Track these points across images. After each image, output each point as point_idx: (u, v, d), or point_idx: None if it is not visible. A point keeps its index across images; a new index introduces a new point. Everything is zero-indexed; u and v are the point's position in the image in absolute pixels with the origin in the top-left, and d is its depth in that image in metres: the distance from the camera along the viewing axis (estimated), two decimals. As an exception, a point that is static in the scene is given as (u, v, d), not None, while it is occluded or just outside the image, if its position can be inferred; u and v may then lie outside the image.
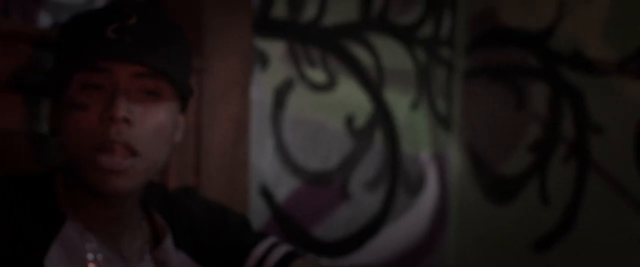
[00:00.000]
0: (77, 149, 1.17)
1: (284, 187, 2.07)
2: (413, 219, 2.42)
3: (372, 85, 2.28)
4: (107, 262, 1.23)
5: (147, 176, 1.22)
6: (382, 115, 2.31)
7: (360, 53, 2.25)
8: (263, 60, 2.01)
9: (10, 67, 1.41)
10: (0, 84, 1.41)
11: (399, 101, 2.36)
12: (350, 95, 2.22)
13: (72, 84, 1.17)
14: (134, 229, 1.31)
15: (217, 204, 1.49)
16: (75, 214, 1.23)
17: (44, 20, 1.82)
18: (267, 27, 2.02)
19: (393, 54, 2.34)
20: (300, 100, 2.10)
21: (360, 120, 2.25)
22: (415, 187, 2.43)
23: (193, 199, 1.46)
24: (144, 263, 1.29)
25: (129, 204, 1.26)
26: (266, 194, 2.02)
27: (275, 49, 2.05)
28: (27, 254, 1.16)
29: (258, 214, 1.98)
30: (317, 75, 2.15)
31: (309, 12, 2.12)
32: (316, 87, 2.15)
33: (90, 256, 1.22)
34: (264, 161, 2.01)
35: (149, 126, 1.18)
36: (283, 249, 1.43)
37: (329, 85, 2.18)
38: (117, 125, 1.14)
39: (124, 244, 1.28)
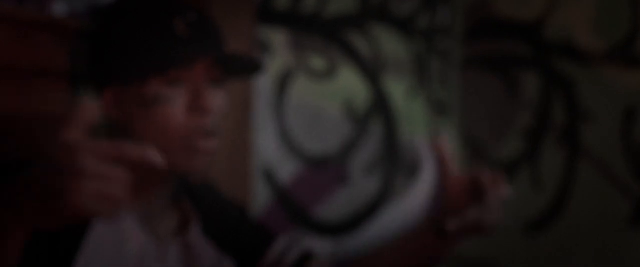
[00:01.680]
0: (165, 137, 1.23)
1: (287, 169, 2.09)
2: (411, 202, 2.44)
3: (372, 73, 2.32)
4: (141, 239, 1.30)
5: None
6: (381, 102, 2.35)
7: (360, 42, 2.28)
8: (267, 48, 2.04)
9: (49, 56, 1.48)
10: (38, 72, 1.48)
11: (397, 88, 2.40)
12: (350, 83, 2.25)
13: (150, 80, 1.23)
14: (167, 213, 1.37)
15: (234, 202, 1.56)
16: None
17: (58, 9, 1.84)
18: (270, 17, 2.04)
19: (392, 44, 2.37)
20: (302, 87, 2.13)
21: (360, 107, 2.28)
22: (413, 171, 2.46)
23: (213, 192, 1.53)
24: (174, 245, 1.36)
25: (172, 184, 1.34)
26: (269, 177, 2.05)
27: (278, 38, 2.07)
28: (71, 230, 1.22)
29: (262, 195, 2.02)
30: (319, 63, 2.17)
31: (311, 2, 2.15)
32: (317, 75, 2.17)
33: (128, 234, 1.28)
34: (267, 145, 2.04)
35: (218, 112, 1.28)
36: (299, 250, 1.52)
37: (330, 73, 2.20)
38: (207, 116, 1.24)
39: (158, 225, 1.35)
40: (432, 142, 1.31)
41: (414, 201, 2.47)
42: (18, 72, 1.49)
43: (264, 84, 2.04)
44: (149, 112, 1.24)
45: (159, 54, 1.24)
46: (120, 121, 1.28)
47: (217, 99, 1.27)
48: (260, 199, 2.02)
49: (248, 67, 1.32)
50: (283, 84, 2.10)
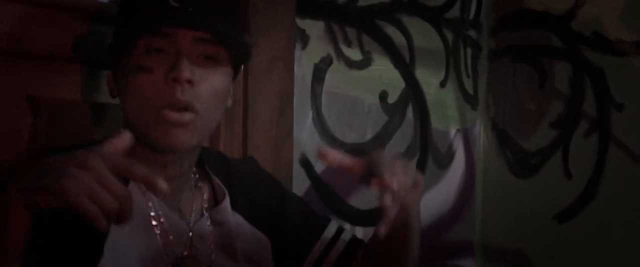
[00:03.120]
0: (142, 108, 1.23)
1: (323, 158, 2.11)
2: (442, 191, 2.48)
3: (404, 63, 2.33)
4: (168, 219, 1.30)
5: (202, 134, 1.29)
6: (413, 92, 2.36)
7: (393, 33, 2.29)
8: (303, 38, 2.05)
9: (70, 40, 1.47)
10: (61, 56, 1.47)
11: (428, 79, 2.41)
12: (384, 73, 2.27)
13: (136, 48, 1.23)
14: (192, 189, 1.37)
15: (276, 182, 1.55)
16: None
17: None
18: (307, 7, 2.05)
19: (423, 34, 2.38)
20: (337, 77, 2.14)
21: (393, 97, 2.30)
22: (444, 161, 2.49)
23: (252, 167, 1.53)
24: (202, 221, 1.35)
25: (186, 163, 1.32)
26: (306, 164, 2.06)
27: (314, 28, 2.08)
28: None
29: (299, 182, 2.03)
30: (353, 53, 2.19)
31: (346, -7, 2.16)
32: (352, 65, 2.19)
33: (152, 214, 1.29)
34: (304, 133, 2.06)
35: (208, 88, 1.25)
36: (348, 236, 1.52)
37: (364, 63, 2.22)
38: (182, 86, 1.21)
39: (183, 203, 1.35)
40: (318, 156, 1.26)
41: (445, 189, 2.50)
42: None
43: (301, 73, 2.05)
44: (130, 81, 1.23)
45: (144, 18, 1.23)
46: (117, 92, 1.29)
47: (208, 76, 1.25)
48: (298, 185, 2.03)
49: (237, 51, 1.29)
50: (319, 73, 2.11)
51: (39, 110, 1.44)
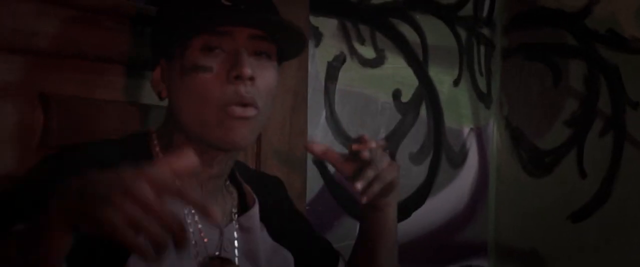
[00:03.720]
0: (202, 107, 1.22)
1: (336, 156, 2.10)
2: (455, 190, 2.46)
3: (418, 61, 2.32)
4: (201, 221, 1.29)
5: (259, 132, 1.30)
6: (427, 91, 2.35)
7: (407, 31, 2.28)
8: (317, 36, 2.04)
9: (81, 37, 1.46)
10: (72, 54, 1.46)
11: (442, 77, 2.40)
12: (397, 71, 2.26)
13: (189, 48, 1.23)
14: (224, 193, 1.37)
15: (294, 204, 1.56)
16: None
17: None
18: (320, 5, 2.04)
19: (437, 32, 2.37)
20: (350, 75, 2.13)
21: (407, 95, 2.29)
22: (458, 159, 2.48)
23: (273, 183, 1.53)
24: (231, 226, 1.34)
25: (229, 164, 1.32)
26: (319, 163, 2.05)
27: (327, 26, 2.07)
28: None
29: (312, 181, 2.01)
30: (367, 51, 2.18)
31: (360, -9, 2.15)
32: (365, 63, 2.18)
33: (185, 212, 1.27)
34: (317, 131, 2.05)
35: (264, 84, 1.25)
36: None
37: (378, 61, 2.21)
38: (244, 83, 1.22)
39: (215, 205, 1.33)
40: (308, 149, 1.33)
41: (459, 188, 2.48)
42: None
43: (314, 71, 2.04)
44: (187, 80, 1.23)
45: (200, 18, 1.23)
46: (168, 97, 1.29)
47: (264, 72, 1.26)
48: (311, 184, 2.01)
49: (293, 39, 1.30)
50: (333, 71, 2.10)
51: (50, 108, 1.43)
